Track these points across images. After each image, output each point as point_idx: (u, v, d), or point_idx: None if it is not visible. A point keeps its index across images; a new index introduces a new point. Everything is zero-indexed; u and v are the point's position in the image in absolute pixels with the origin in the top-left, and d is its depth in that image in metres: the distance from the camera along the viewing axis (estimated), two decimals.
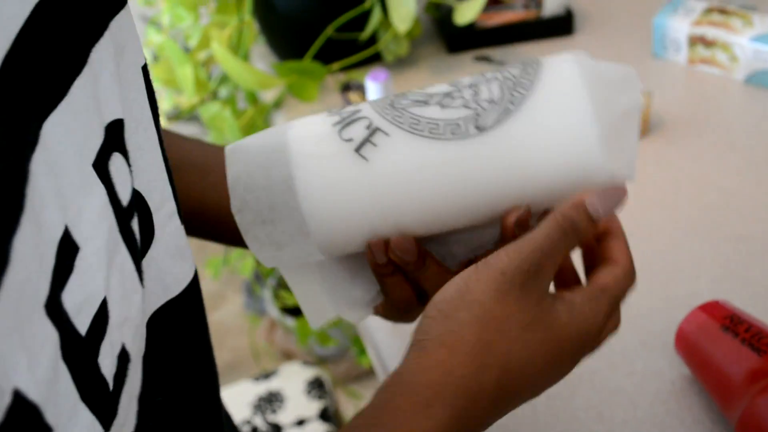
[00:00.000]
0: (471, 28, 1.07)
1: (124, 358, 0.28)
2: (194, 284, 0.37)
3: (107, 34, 0.30)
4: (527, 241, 0.36)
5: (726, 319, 0.56)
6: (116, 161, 0.29)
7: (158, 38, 1.14)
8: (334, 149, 0.39)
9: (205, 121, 1.10)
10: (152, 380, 0.33)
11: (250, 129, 1.06)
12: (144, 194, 0.33)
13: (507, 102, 0.38)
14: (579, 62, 0.40)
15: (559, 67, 0.40)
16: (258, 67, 1.03)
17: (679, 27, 0.97)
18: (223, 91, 1.17)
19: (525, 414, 0.59)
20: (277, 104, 1.09)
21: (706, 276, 0.68)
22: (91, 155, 0.28)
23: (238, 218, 0.41)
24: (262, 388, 1.09)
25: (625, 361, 0.62)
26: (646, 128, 0.87)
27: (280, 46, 1.13)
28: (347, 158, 0.39)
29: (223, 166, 0.50)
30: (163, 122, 1.14)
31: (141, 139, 0.32)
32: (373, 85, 0.84)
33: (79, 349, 0.25)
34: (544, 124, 0.38)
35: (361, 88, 1.00)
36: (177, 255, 0.35)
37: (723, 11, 0.96)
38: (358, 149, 0.39)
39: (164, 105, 1.14)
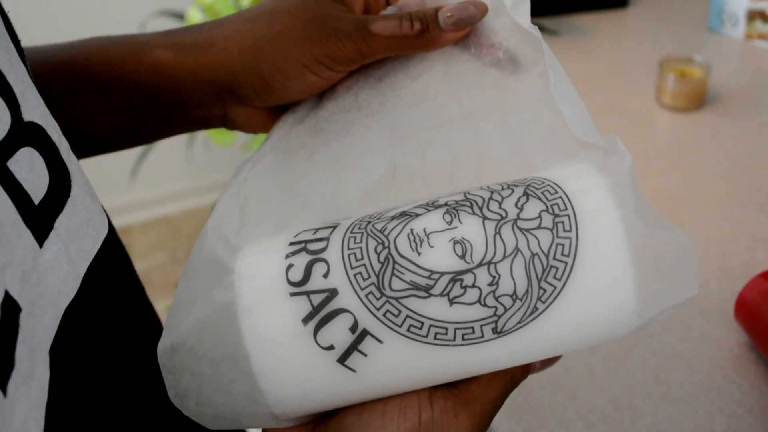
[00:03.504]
0: None
1: (10, 306, 0.25)
2: (110, 225, 0.35)
3: None
4: (479, 407, 0.34)
5: None
6: None
7: None
8: (308, 359, 0.30)
9: None
10: (83, 332, 0.31)
11: None
12: (44, 127, 0.29)
13: (535, 299, 0.30)
14: (626, 226, 0.31)
15: (601, 241, 0.31)
16: None
17: (738, 1, 0.96)
18: None
19: (581, 374, 0.59)
20: None
21: (763, 248, 0.68)
22: None
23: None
24: None
25: (682, 326, 0.62)
26: (703, 100, 0.86)
27: None
28: (327, 370, 0.30)
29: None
30: None
31: (18, 71, 0.29)
32: None
33: None
34: (578, 322, 0.31)
35: None
36: (91, 192, 0.33)
37: None
38: (342, 360, 0.30)
39: None
